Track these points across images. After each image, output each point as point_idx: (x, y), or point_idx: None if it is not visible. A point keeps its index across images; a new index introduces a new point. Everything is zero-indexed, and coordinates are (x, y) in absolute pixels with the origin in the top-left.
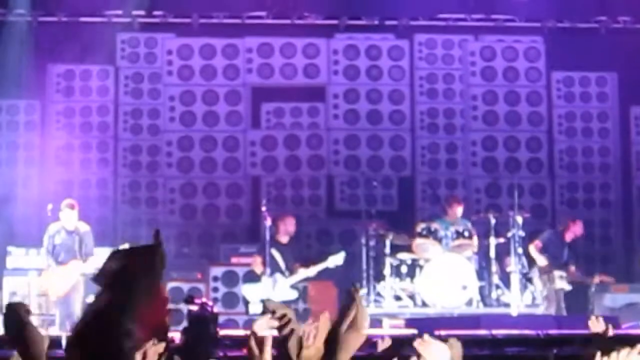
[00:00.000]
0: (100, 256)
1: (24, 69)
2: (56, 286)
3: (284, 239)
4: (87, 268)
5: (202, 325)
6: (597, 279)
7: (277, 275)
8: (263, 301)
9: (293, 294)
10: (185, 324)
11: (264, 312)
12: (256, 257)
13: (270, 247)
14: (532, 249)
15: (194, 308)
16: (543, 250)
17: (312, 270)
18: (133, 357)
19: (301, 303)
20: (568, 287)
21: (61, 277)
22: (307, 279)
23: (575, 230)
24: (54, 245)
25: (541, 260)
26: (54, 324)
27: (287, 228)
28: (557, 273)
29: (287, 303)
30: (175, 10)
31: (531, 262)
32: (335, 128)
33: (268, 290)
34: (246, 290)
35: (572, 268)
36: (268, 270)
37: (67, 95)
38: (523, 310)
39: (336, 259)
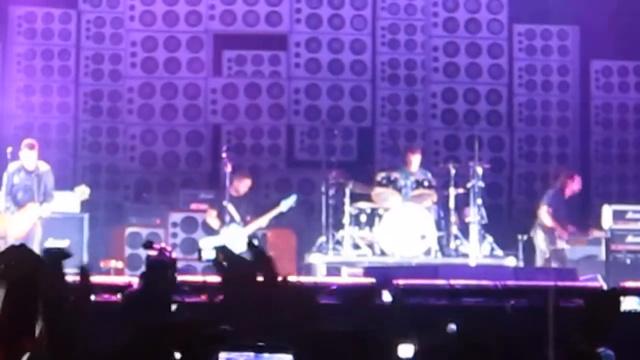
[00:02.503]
0: (58, 198)
1: None
2: (14, 228)
3: (237, 193)
4: (44, 211)
5: (160, 270)
6: (592, 233)
7: (233, 225)
8: (216, 248)
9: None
10: (143, 268)
11: (216, 261)
12: (210, 210)
13: (224, 200)
14: (544, 214)
15: (153, 253)
16: (555, 215)
17: (266, 218)
18: None
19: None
20: (567, 247)
21: (19, 219)
22: (265, 227)
23: (573, 187)
24: (12, 185)
25: (556, 227)
26: None
27: (240, 188)
28: (557, 233)
29: (245, 254)
30: None
31: (533, 223)
32: (297, 77)
33: (226, 242)
34: (204, 242)
35: (570, 225)
36: (220, 223)
37: (29, 37)
38: (481, 261)
39: (288, 202)
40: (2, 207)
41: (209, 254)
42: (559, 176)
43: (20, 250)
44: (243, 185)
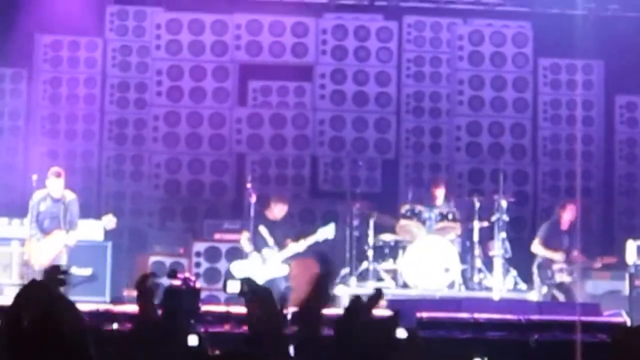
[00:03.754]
0: (83, 226)
1: (12, 37)
2: (39, 255)
3: (272, 215)
4: (70, 239)
5: (177, 298)
6: (599, 262)
7: (265, 250)
8: (242, 280)
9: (284, 270)
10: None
11: (241, 293)
12: (244, 232)
13: (258, 224)
14: (536, 248)
15: (177, 282)
16: (546, 245)
17: (302, 245)
18: None
19: (283, 281)
20: (568, 279)
21: (45, 246)
22: (296, 255)
23: (568, 216)
24: (38, 212)
25: (548, 254)
26: None
27: (276, 212)
28: (555, 267)
29: (278, 279)
30: None
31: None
32: (321, 108)
33: (258, 267)
34: (234, 267)
35: (576, 253)
36: (252, 247)
37: (55, 65)
38: (505, 295)
39: (326, 232)
40: (28, 235)
41: (233, 286)
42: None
43: (37, 287)
44: (280, 210)
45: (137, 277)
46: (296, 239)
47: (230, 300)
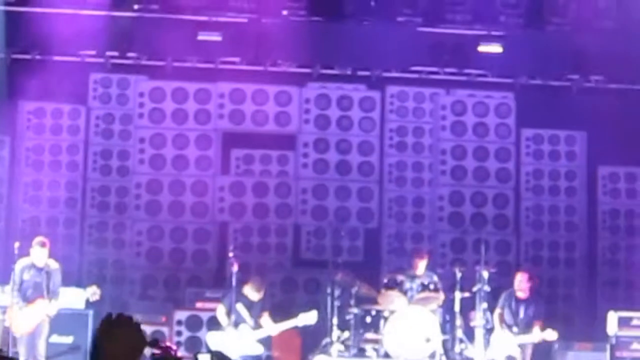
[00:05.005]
0: (65, 295)
1: None
2: (21, 324)
3: (252, 296)
4: (51, 309)
5: None
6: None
7: (242, 326)
8: (211, 352)
9: (259, 349)
10: None
11: None
12: (220, 306)
13: (237, 301)
14: (495, 318)
15: (157, 352)
16: (502, 317)
17: (281, 327)
18: None
19: (265, 350)
20: (514, 351)
21: (27, 315)
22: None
23: (520, 287)
24: (22, 281)
25: (500, 327)
26: None
27: (252, 295)
28: (503, 338)
29: (254, 358)
30: (148, 52)
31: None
32: (304, 177)
33: (233, 341)
34: (210, 337)
35: (536, 326)
36: (231, 319)
37: (38, 132)
38: None
39: (307, 318)
40: (10, 302)
41: (204, 358)
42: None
43: None
44: (257, 293)
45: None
46: (276, 318)
47: None
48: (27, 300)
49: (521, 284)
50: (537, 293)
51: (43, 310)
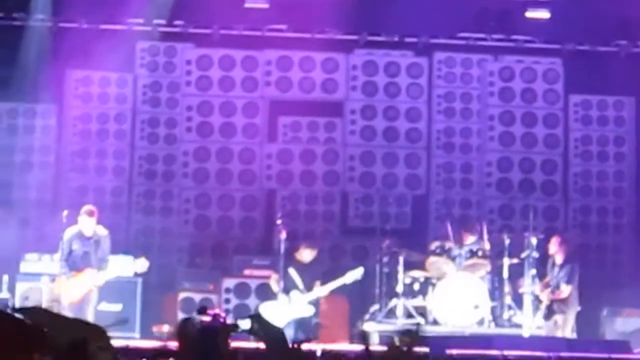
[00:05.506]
0: (113, 264)
1: (43, 73)
2: (69, 293)
3: (305, 256)
4: (99, 279)
5: (212, 337)
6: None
7: (294, 292)
8: (252, 317)
9: (310, 310)
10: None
11: (251, 331)
12: (273, 273)
13: (289, 265)
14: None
15: (207, 319)
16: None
17: (330, 287)
18: None
19: (313, 317)
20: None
21: (75, 284)
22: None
23: (552, 251)
24: (70, 250)
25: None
26: None
27: (305, 257)
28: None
29: (304, 319)
30: (195, 20)
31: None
32: (352, 144)
33: (285, 308)
34: (264, 308)
35: (560, 289)
36: (281, 286)
37: (85, 101)
38: (535, 332)
39: (354, 274)
40: (59, 272)
41: (244, 325)
42: None
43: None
44: (308, 255)
45: (176, 325)
46: (324, 281)
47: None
48: (76, 269)
49: (552, 247)
50: (573, 257)
51: (91, 280)
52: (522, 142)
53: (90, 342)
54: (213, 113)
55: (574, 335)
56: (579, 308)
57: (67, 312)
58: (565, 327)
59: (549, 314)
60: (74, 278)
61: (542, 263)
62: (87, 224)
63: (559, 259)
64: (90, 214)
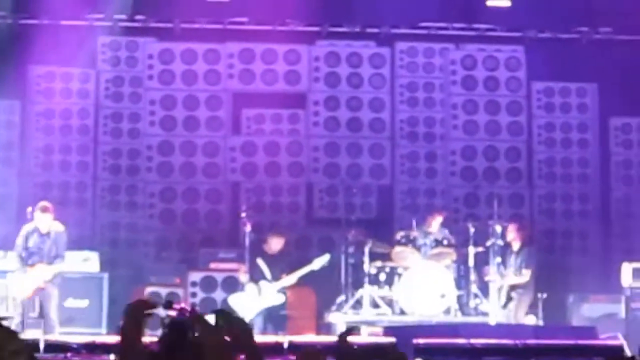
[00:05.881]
0: (69, 259)
1: (5, 69)
2: (22, 289)
3: (274, 246)
4: (48, 273)
5: (182, 331)
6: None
7: (262, 282)
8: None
9: (280, 299)
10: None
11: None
12: (241, 265)
13: (256, 256)
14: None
15: (173, 313)
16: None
17: (298, 274)
18: None
19: (282, 306)
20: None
21: (26, 280)
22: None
23: (510, 238)
24: (26, 247)
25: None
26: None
27: (273, 246)
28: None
29: (275, 308)
30: (156, 14)
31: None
32: (316, 135)
33: (254, 298)
34: (233, 300)
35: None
36: (248, 278)
37: (48, 96)
38: (501, 320)
39: (321, 261)
40: (14, 268)
41: (209, 319)
42: None
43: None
44: (276, 243)
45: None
46: (291, 271)
47: None
48: (30, 265)
49: (510, 234)
50: (530, 242)
51: (42, 274)
52: (486, 130)
53: (1, 347)
54: (176, 107)
55: (527, 319)
56: (539, 295)
57: (20, 308)
58: (518, 311)
59: (507, 300)
60: (26, 274)
61: (507, 250)
62: (42, 219)
63: (516, 245)
64: (43, 210)
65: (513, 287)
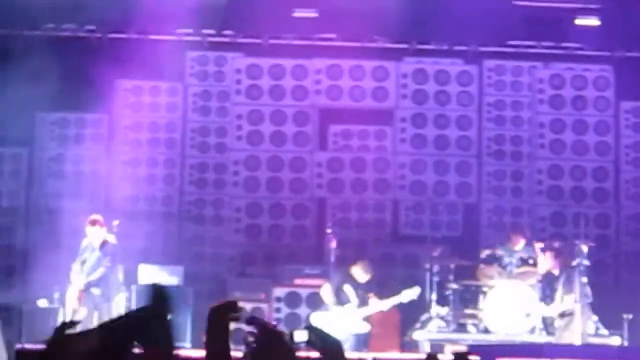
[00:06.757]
0: (155, 273)
1: (94, 83)
2: (73, 302)
3: (360, 277)
4: (81, 282)
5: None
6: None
7: (348, 306)
8: (309, 328)
9: (366, 327)
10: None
11: (309, 342)
12: (326, 285)
13: (344, 282)
14: None
15: (253, 330)
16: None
17: (386, 305)
18: None
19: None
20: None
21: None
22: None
23: (547, 267)
24: (83, 261)
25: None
26: None
27: (360, 277)
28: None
29: (361, 335)
30: (245, 30)
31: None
32: (402, 152)
33: (339, 320)
34: (314, 317)
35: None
36: (334, 300)
37: (135, 110)
38: (586, 340)
39: (410, 294)
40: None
41: (301, 336)
42: None
43: None
44: (362, 276)
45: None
46: (379, 294)
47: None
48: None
49: (547, 262)
50: (568, 267)
51: (77, 285)
52: (573, 149)
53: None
54: (263, 121)
55: (626, 343)
56: (624, 316)
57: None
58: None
59: (548, 330)
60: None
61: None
62: (91, 233)
63: (556, 272)
64: (92, 223)
65: (562, 315)
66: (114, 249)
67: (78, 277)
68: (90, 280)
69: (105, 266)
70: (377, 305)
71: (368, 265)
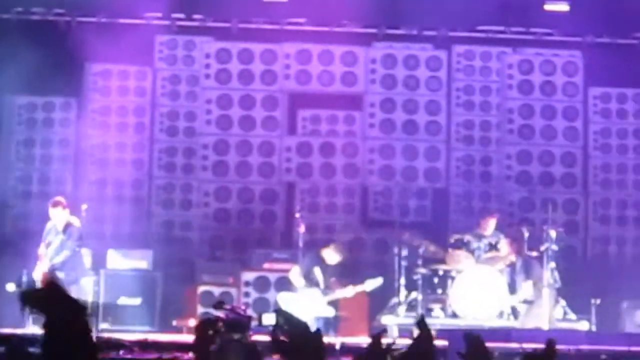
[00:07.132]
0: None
1: (62, 67)
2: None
3: (331, 259)
4: (46, 266)
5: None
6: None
7: (315, 290)
8: (277, 312)
9: (330, 311)
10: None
11: (277, 325)
12: (295, 267)
13: (315, 264)
14: None
15: (222, 314)
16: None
17: (349, 292)
18: None
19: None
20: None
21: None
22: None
23: (504, 253)
24: (48, 244)
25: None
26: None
27: (330, 259)
28: None
29: (326, 319)
30: (214, 14)
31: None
32: (371, 137)
33: (305, 303)
34: (281, 298)
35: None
36: (303, 283)
37: (104, 94)
38: (554, 325)
39: (374, 283)
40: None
41: (269, 319)
42: None
43: None
44: (334, 258)
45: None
46: (343, 281)
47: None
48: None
49: (503, 249)
50: (524, 254)
51: (43, 265)
52: (542, 134)
53: None
54: (232, 106)
55: (594, 328)
56: (592, 300)
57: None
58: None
59: (516, 314)
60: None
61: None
62: (53, 215)
63: (513, 258)
64: (53, 204)
65: (525, 302)
66: (78, 232)
67: (44, 260)
68: (54, 264)
69: (70, 249)
70: (341, 292)
71: (341, 247)
